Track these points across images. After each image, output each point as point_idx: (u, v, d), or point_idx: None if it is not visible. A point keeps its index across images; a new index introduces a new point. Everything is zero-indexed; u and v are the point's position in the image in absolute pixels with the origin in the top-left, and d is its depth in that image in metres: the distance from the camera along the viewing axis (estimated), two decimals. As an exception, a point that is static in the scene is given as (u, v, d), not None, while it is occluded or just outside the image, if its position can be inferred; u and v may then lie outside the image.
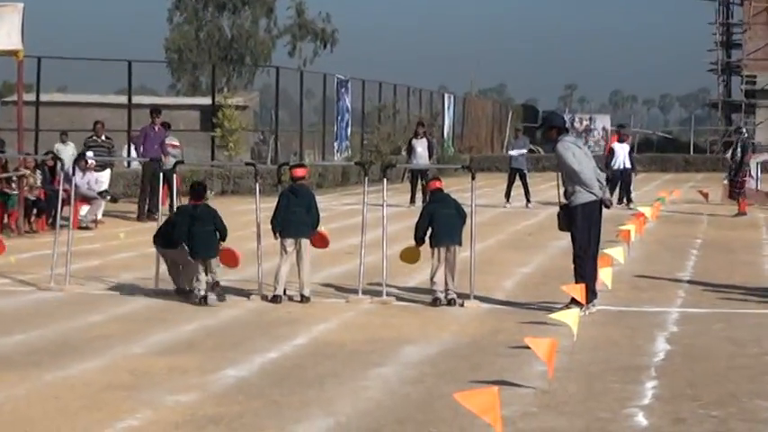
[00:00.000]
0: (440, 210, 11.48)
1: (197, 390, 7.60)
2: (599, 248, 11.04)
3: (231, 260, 11.66)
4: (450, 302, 11.25)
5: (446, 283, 11.31)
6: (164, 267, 11.99)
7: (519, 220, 21.66)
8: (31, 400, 7.29)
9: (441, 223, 11.39)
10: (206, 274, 11.24)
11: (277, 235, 11.56)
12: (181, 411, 7.02)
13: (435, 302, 11.27)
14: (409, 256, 12.01)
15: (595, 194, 10.68)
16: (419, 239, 11.61)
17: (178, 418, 6.86)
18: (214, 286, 11.29)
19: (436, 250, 11.36)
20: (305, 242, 11.51)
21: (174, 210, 12.19)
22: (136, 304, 11.37)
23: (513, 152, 26.08)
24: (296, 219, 11.46)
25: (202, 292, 11.23)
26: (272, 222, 11.56)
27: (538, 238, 18.10)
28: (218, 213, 11.61)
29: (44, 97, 30.61)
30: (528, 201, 25.24)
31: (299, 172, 11.78)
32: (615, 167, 25.04)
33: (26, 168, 18.21)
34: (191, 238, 11.27)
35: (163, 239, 11.60)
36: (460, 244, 11.41)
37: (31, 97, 27.02)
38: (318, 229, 11.79)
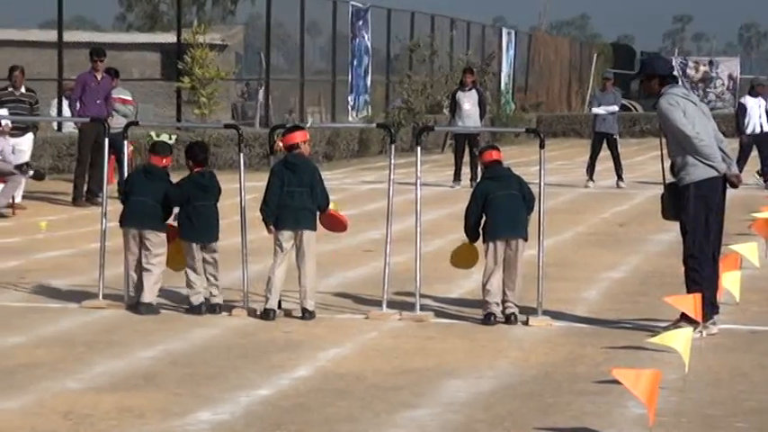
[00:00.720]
0: (497, 190, 11.50)
1: (158, 440, 7.64)
2: (722, 245, 11.04)
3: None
4: (509, 319, 11.29)
5: (504, 293, 11.35)
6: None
7: (607, 206, 21.70)
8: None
9: (498, 209, 11.42)
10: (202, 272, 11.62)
11: (270, 227, 11.63)
12: (136, 469, 7.10)
13: (489, 318, 11.31)
14: (464, 259, 12.05)
15: (717, 169, 10.68)
16: (472, 233, 11.65)
17: (132, 478, 6.95)
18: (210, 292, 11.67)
19: (491, 246, 11.40)
20: (308, 235, 11.56)
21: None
22: (72, 322, 11.43)
23: (599, 110, 26.02)
24: (294, 203, 11.53)
25: (200, 296, 11.53)
26: (261, 210, 11.62)
27: (634, 231, 18.14)
28: None
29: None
30: (620, 178, 25.27)
31: (296, 137, 11.83)
32: (749, 132, 24.99)
33: None
34: (190, 215, 11.63)
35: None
36: (526, 238, 11.45)
37: None
38: (330, 208, 11.85)
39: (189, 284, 11.71)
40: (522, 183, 11.63)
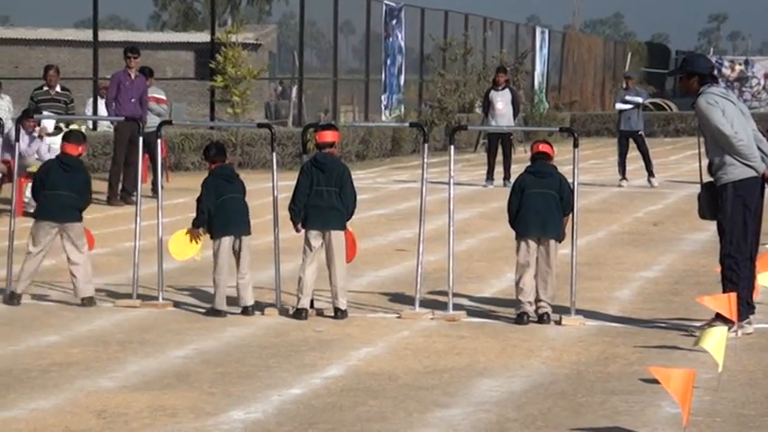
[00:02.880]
0: (533, 186, 11.47)
1: (191, 438, 7.67)
2: (759, 245, 11.01)
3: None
4: (542, 318, 11.29)
5: (537, 292, 11.34)
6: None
7: (641, 205, 21.68)
8: (-37, 451, 7.44)
9: (530, 206, 11.40)
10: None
11: (299, 226, 11.65)
12: (168, 468, 7.13)
13: (522, 318, 11.32)
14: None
15: (755, 168, 10.65)
16: (513, 224, 11.61)
17: (165, 477, 6.98)
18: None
19: (522, 244, 11.40)
20: (337, 235, 11.58)
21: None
22: (106, 321, 11.50)
23: (621, 105, 25.85)
24: (323, 203, 11.56)
25: (224, 300, 11.61)
26: (290, 209, 11.64)
27: (668, 230, 18.11)
28: None
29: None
30: (651, 175, 25.19)
31: (327, 136, 11.86)
32: None
33: None
34: (220, 209, 11.71)
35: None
36: (558, 239, 11.43)
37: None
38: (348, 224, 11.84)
39: (215, 284, 11.69)
40: (563, 182, 11.53)
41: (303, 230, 11.62)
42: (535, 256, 11.33)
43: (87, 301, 12.08)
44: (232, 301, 11.76)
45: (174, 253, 12.11)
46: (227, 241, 11.70)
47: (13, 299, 12.13)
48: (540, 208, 11.37)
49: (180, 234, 11.99)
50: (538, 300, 11.34)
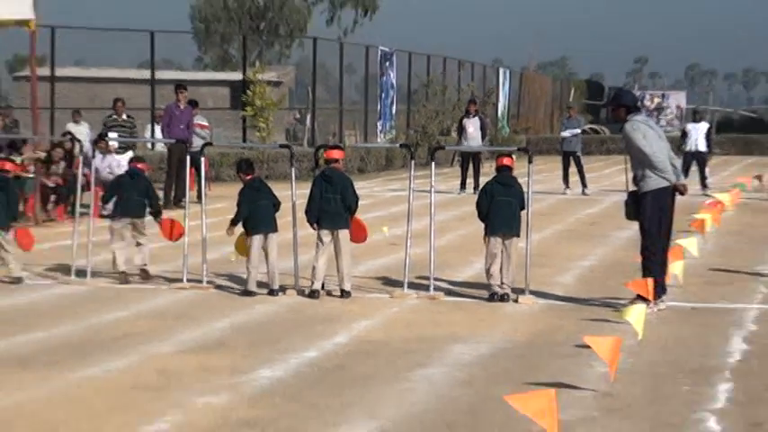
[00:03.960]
0: (500, 195, 11.46)
1: (229, 391, 7.75)
2: (670, 240, 11.06)
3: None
4: (503, 298, 11.33)
5: (501, 277, 11.40)
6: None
7: (580, 209, 21.66)
8: (54, 402, 7.48)
9: (497, 212, 11.41)
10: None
11: (314, 226, 11.73)
12: (212, 414, 7.18)
13: (493, 297, 11.34)
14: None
15: (668, 180, 10.67)
16: (483, 219, 11.62)
17: (209, 421, 7.03)
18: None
19: (492, 240, 11.41)
20: (343, 233, 11.64)
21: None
22: (163, 299, 11.55)
23: (566, 133, 26.09)
24: (331, 208, 11.59)
25: (254, 283, 11.63)
26: (306, 213, 11.73)
27: (601, 228, 18.09)
28: None
29: (59, 72, 30.81)
30: (584, 186, 25.23)
31: (334, 154, 11.88)
32: (687, 150, 25.00)
33: (49, 154, 18.38)
34: (252, 213, 11.75)
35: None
36: (518, 235, 11.47)
37: (45, 72, 27.16)
38: (356, 216, 11.90)
39: (248, 271, 11.74)
40: (521, 191, 11.54)
41: (317, 229, 11.70)
42: (501, 249, 11.42)
43: (143, 273, 12.51)
44: (261, 284, 11.82)
45: (238, 252, 12.20)
46: (257, 238, 11.76)
47: (126, 279, 12.47)
48: (505, 213, 11.40)
49: (240, 239, 12.04)
50: (501, 283, 11.39)
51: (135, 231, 12.72)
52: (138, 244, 12.71)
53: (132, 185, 12.82)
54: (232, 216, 11.94)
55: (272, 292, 11.68)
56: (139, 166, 13.15)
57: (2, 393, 7.66)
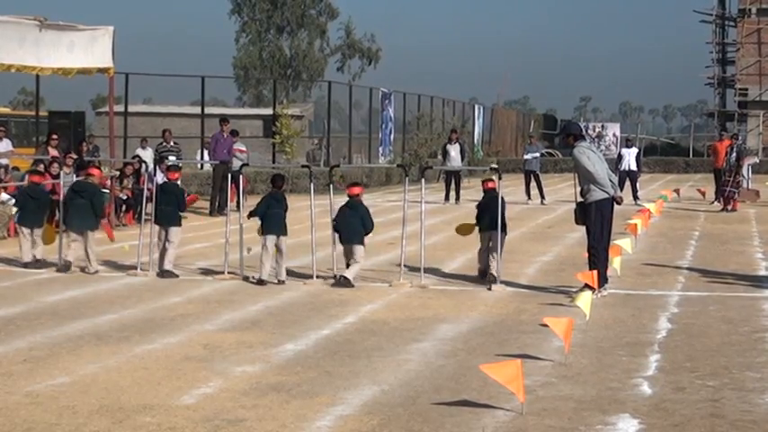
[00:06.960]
0: (489, 206, 11.80)
1: (261, 361, 7.67)
2: (610, 240, 10.99)
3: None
4: (489, 278, 11.49)
5: (488, 263, 11.61)
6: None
7: (539, 215, 21.58)
8: (122, 370, 7.40)
9: (487, 216, 11.78)
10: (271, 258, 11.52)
11: (341, 239, 11.79)
12: (247, 380, 7.10)
13: (483, 276, 11.64)
14: (463, 230, 12.66)
15: (608, 193, 10.64)
16: (479, 223, 12.08)
17: (245, 385, 6.94)
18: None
19: (483, 235, 11.84)
20: (358, 247, 11.65)
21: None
22: (209, 288, 11.47)
23: (528, 156, 26.16)
24: (350, 228, 11.68)
25: (265, 273, 11.42)
26: (334, 229, 11.86)
27: (556, 231, 18.03)
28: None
29: (131, 108, 31.07)
30: (543, 198, 25.12)
31: (355, 190, 12.04)
32: (622, 169, 24.99)
33: (122, 171, 18.63)
34: (266, 217, 11.61)
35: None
36: (497, 229, 11.58)
37: (120, 108, 27.61)
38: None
39: (261, 264, 11.55)
40: (502, 203, 11.68)
41: (342, 242, 11.75)
42: (488, 242, 11.60)
43: (164, 272, 12.05)
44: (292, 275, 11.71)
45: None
46: (270, 238, 11.56)
47: (163, 274, 12.14)
48: (493, 217, 11.56)
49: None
50: (489, 268, 11.54)
51: (166, 237, 12.30)
52: (167, 247, 12.21)
53: (163, 196, 12.34)
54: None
55: (279, 282, 11.53)
56: (173, 175, 12.61)
57: (82, 362, 7.60)
